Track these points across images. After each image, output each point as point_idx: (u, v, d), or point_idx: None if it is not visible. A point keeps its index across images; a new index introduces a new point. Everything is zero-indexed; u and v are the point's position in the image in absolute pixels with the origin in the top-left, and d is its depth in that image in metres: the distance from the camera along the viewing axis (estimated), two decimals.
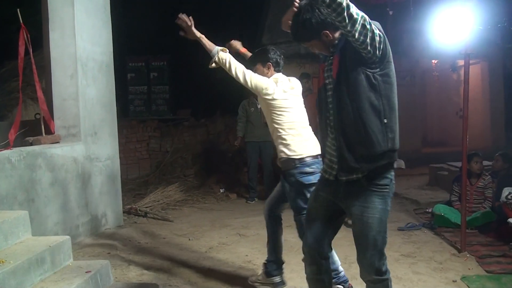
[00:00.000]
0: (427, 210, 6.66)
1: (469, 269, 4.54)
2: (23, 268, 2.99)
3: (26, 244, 3.36)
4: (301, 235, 3.74)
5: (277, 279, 4.05)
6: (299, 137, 3.71)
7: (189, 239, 5.79)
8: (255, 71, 3.81)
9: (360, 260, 2.71)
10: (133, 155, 10.40)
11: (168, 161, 10.25)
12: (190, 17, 3.73)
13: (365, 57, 2.51)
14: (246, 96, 8.81)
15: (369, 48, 2.46)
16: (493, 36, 9.14)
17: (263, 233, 5.95)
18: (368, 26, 2.43)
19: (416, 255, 4.92)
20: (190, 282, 4.23)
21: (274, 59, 3.90)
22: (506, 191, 5.41)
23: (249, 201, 8.03)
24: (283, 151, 3.71)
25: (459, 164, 7.10)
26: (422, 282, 4.19)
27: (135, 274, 4.28)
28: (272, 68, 3.91)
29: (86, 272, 3.33)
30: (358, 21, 2.40)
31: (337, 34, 2.69)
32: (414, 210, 6.97)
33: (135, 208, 7.00)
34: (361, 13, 2.43)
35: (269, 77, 3.82)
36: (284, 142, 3.69)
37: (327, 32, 2.66)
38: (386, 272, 2.71)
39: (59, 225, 4.90)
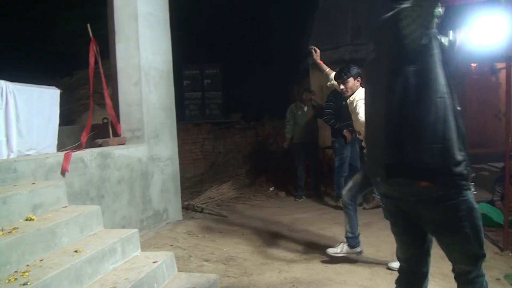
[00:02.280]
0: None
1: (511, 267, 4.39)
2: (97, 257, 3.09)
3: (99, 236, 3.46)
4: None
5: (358, 249, 4.59)
6: None
7: (243, 234, 5.83)
8: (346, 83, 4.38)
9: None
10: (189, 155, 10.55)
11: (221, 161, 10.35)
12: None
13: None
14: (294, 100, 8.80)
15: None
16: None
17: (311, 229, 6.00)
18: None
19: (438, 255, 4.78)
20: (247, 273, 4.25)
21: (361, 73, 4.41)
22: None
23: (297, 199, 8.00)
24: None
25: (500, 164, 6.86)
26: (447, 282, 4.05)
27: (195, 265, 4.35)
28: (361, 81, 4.41)
29: (153, 262, 3.40)
30: None
31: None
32: None
33: (192, 204, 7.10)
34: None
35: (357, 88, 4.39)
36: None
37: None
38: None
39: (125, 219, 5.03)
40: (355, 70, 4.39)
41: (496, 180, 6.12)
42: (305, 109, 7.96)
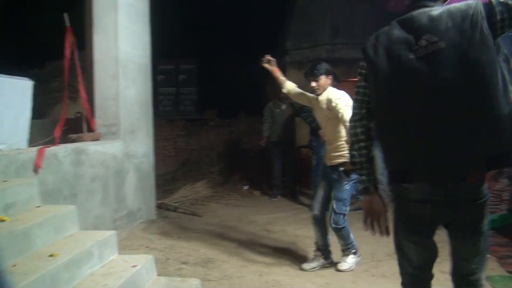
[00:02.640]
0: None
1: (491, 269, 4.35)
2: (74, 262, 2.89)
3: (75, 238, 3.25)
4: (336, 222, 4.35)
5: (331, 259, 4.56)
6: None
7: (220, 234, 5.69)
8: (318, 81, 4.22)
9: None
10: (161, 152, 10.27)
11: (194, 158, 10.15)
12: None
13: None
14: (269, 98, 8.69)
15: None
16: None
17: (289, 229, 5.90)
18: None
19: (441, 254, 4.75)
20: (227, 277, 4.11)
21: (332, 71, 4.29)
22: None
23: (272, 198, 7.90)
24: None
25: None
26: (449, 282, 4.02)
27: (174, 268, 4.17)
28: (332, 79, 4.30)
29: (132, 266, 3.22)
30: None
31: None
32: None
33: (166, 203, 6.90)
34: None
35: (328, 86, 4.25)
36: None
37: None
38: None
39: (98, 219, 4.80)
40: (326, 67, 4.24)
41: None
42: (283, 107, 7.86)
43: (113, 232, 3.48)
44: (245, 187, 8.65)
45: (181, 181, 9.07)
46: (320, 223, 4.41)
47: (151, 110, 6.10)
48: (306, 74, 4.31)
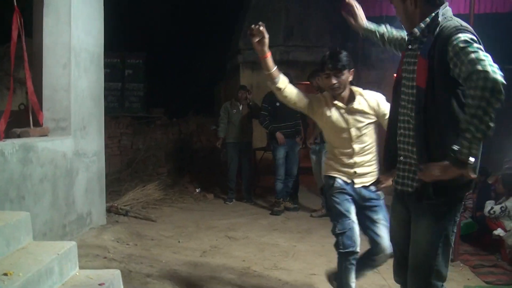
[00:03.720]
0: None
1: (468, 279, 4.27)
2: (33, 282, 2.38)
3: (31, 251, 2.73)
4: None
5: None
6: None
7: (179, 241, 5.25)
8: (340, 76, 3.01)
9: None
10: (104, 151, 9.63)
11: (140, 158, 9.57)
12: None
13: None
14: (220, 98, 8.35)
15: None
16: None
17: (252, 236, 5.55)
18: None
19: None
20: None
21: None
22: (488, 206, 5.16)
23: (227, 202, 7.50)
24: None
25: None
26: None
27: (139, 282, 3.69)
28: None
29: (99, 284, 2.74)
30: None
31: (424, 13, 2.17)
32: None
33: (116, 206, 6.33)
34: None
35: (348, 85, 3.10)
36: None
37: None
38: None
39: (47, 224, 4.23)
40: (349, 57, 3.11)
41: None
42: (241, 107, 7.50)
43: (73, 243, 2.98)
44: (198, 190, 8.19)
45: (127, 182, 8.48)
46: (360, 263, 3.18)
47: (103, 104, 5.57)
48: (324, 65, 3.06)
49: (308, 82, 6.54)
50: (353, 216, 3.09)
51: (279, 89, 3.04)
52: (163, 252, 4.76)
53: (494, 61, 1.93)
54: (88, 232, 5.06)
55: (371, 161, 3.14)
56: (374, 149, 3.14)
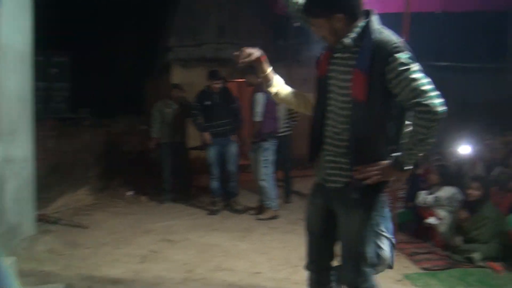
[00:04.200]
0: None
1: (405, 267, 4.49)
2: None
3: None
4: None
5: None
6: None
7: (117, 248, 5.09)
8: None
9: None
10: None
11: (67, 162, 9.16)
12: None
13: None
14: (150, 97, 8.19)
15: None
16: None
17: (192, 238, 5.52)
18: None
19: None
20: None
21: None
22: (420, 196, 5.47)
23: (162, 204, 7.37)
24: None
25: None
26: None
27: None
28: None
29: None
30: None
31: (352, 26, 2.24)
32: None
33: (46, 215, 6.04)
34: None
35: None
36: None
37: (341, 16, 2.21)
38: None
39: None
40: None
41: None
42: (174, 106, 7.38)
43: (13, 258, 2.81)
44: (130, 193, 7.98)
45: (55, 187, 8.07)
46: None
47: (33, 107, 5.30)
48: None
49: (241, 80, 6.60)
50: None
51: (276, 94, 2.74)
52: (101, 260, 4.61)
53: (429, 59, 2.10)
54: (19, 244, 4.80)
55: None
56: None
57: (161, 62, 10.62)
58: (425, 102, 2.07)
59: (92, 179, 8.67)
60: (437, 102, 2.08)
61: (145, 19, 10.53)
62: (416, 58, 2.18)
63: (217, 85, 6.57)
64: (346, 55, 2.29)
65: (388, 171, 2.25)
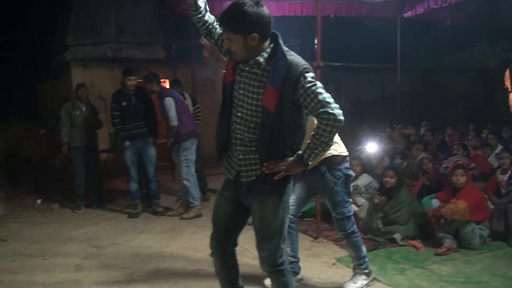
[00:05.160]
0: None
1: (335, 252, 4.86)
2: None
3: None
4: (342, 228, 3.83)
5: (299, 276, 4.07)
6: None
7: (44, 259, 4.93)
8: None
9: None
10: None
11: None
12: None
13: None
14: (45, 99, 7.89)
15: None
16: None
17: (120, 242, 5.53)
18: None
19: None
20: None
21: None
22: None
23: (76, 210, 7.10)
24: (333, 149, 3.65)
25: None
26: (308, 269, 4.29)
27: None
28: None
29: None
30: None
31: (265, 45, 2.61)
32: None
33: None
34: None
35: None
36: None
37: (256, 36, 2.55)
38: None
39: None
40: None
41: None
42: (83, 108, 7.12)
43: None
44: (39, 201, 7.64)
45: None
46: (290, 228, 3.78)
47: None
48: None
49: (142, 80, 6.64)
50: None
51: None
52: (34, 273, 4.49)
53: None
54: None
55: None
56: None
57: (57, 63, 10.15)
58: (331, 112, 2.54)
59: None
60: (339, 111, 2.57)
61: (40, 15, 9.99)
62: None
63: (132, 81, 6.56)
64: (256, 71, 2.65)
65: (292, 166, 2.67)
